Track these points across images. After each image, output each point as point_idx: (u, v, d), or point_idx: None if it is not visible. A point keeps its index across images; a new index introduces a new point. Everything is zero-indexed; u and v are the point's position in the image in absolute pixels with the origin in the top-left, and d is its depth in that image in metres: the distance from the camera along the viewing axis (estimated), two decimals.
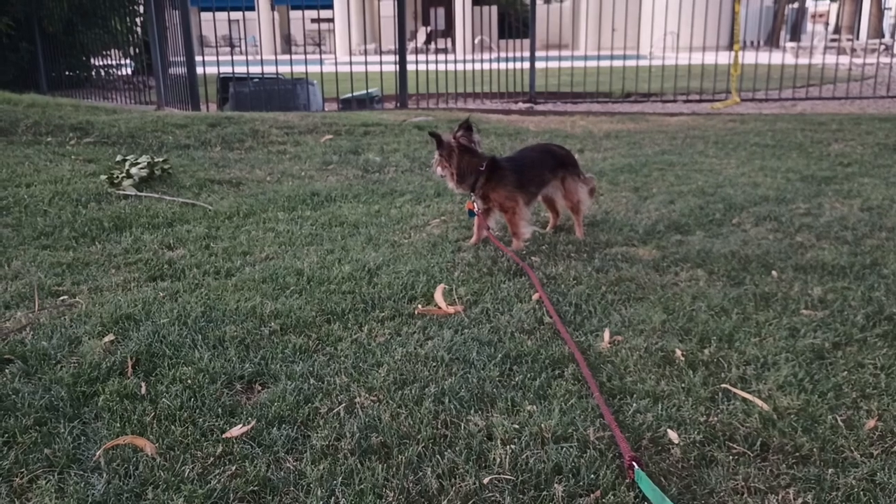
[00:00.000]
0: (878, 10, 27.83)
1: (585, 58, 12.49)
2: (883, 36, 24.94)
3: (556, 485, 1.92)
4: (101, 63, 15.87)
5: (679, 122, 8.96)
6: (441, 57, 12.38)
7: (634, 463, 1.93)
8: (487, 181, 3.81)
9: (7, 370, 2.54)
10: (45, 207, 4.54)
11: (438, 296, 3.18)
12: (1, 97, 8.23)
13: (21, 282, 3.36)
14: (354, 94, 11.41)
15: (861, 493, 1.89)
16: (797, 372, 2.50)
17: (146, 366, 2.57)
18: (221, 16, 11.23)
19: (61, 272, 3.51)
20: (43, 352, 2.65)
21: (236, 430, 2.18)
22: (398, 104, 11.28)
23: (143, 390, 2.41)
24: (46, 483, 1.94)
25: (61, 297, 3.22)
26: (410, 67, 11.33)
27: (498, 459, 2.03)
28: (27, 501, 1.90)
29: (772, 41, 29.34)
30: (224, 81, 11.92)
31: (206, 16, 11.81)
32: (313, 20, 24.00)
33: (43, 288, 3.29)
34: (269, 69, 11.42)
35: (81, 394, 2.38)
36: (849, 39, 22.26)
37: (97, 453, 2.06)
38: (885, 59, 15.07)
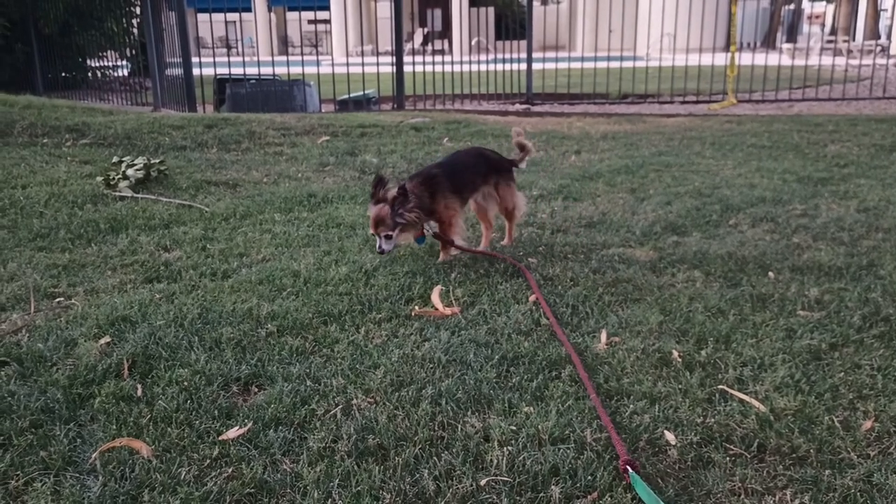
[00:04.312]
0: (875, 12, 27.89)
1: (582, 59, 12.47)
2: (879, 37, 24.99)
3: (553, 486, 1.92)
4: (97, 64, 15.84)
5: (676, 123, 8.97)
6: (438, 58, 12.38)
7: (628, 467, 1.93)
8: (432, 197, 3.58)
9: (3, 372, 2.53)
10: (42, 209, 4.53)
11: (435, 297, 3.17)
12: None
13: (17, 283, 3.35)
14: (351, 95, 11.41)
15: (858, 494, 1.89)
16: (794, 373, 2.50)
17: (142, 368, 2.57)
18: (218, 17, 11.20)
19: (57, 274, 3.50)
20: (39, 354, 2.64)
21: (233, 433, 2.17)
22: (395, 105, 11.28)
23: (139, 392, 2.40)
24: (42, 486, 1.93)
25: (57, 299, 3.22)
26: (407, 69, 11.33)
27: (495, 461, 2.03)
28: None
29: (768, 42, 29.39)
30: (221, 83, 11.91)
31: (203, 17, 11.80)
32: (310, 21, 23.98)
33: (39, 290, 3.29)
34: (266, 70, 11.40)
35: (77, 396, 2.37)
36: (845, 41, 22.30)
37: (93, 456, 2.05)
38: (881, 61, 15.11)
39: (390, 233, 3.43)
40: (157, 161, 5.53)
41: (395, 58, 11.18)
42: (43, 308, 3.12)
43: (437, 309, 3.07)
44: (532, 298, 3.17)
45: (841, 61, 13.24)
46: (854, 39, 25.15)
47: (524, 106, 12.06)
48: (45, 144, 6.56)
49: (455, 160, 3.95)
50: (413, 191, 3.47)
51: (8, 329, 2.89)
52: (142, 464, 2.02)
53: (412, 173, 3.87)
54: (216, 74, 12.01)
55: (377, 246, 3.48)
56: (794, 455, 2.07)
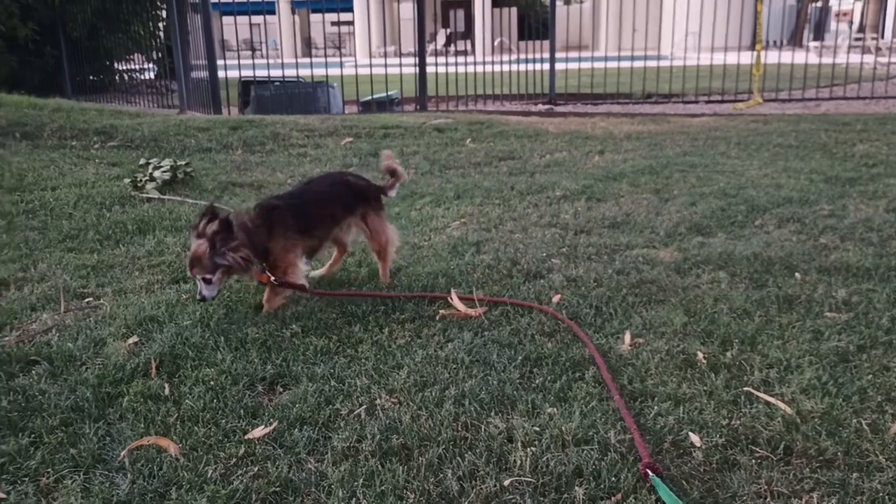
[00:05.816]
0: None
1: (606, 59, 12.41)
2: None
3: (576, 487, 1.92)
4: (124, 67, 16.04)
5: (701, 122, 8.89)
6: (461, 59, 12.38)
7: (649, 471, 1.92)
8: (269, 233, 3.04)
9: (34, 371, 2.58)
10: (71, 210, 4.60)
11: (455, 298, 3.17)
12: (27, 102, 8.36)
13: (47, 284, 3.41)
14: (374, 96, 11.45)
15: (886, 497, 1.87)
16: (821, 375, 2.48)
17: (169, 367, 2.60)
18: (242, 20, 11.31)
19: (86, 274, 3.55)
20: (68, 353, 2.69)
21: (258, 432, 2.20)
22: (418, 106, 11.30)
23: (167, 391, 2.44)
24: (72, 483, 1.97)
25: (86, 299, 3.27)
26: (430, 70, 11.34)
27: (518, 462, 2.03)
28: (53, 501, 1.92)
29: (795, 40, 29.03)
30: (245, 85, 12.01)
31: (228, 20, 11.92)
32: (333, 23, 24.09)
33: (68, 290, 3.34)
34: (290, 72, 11.49)
35: (106, 395, 2.41)
36: (873, 38, 21.96)
37: (122, 454, 2.08)
38: None
39: (209, 276, 2.86)
40: (184, 163, 5.59)
41: (417, 59, 11.20)
42: (72, 308, 3.17)
43: (460, 310, 3.07)
44: (555, 300, 3.16)
45: (869, 59, 13.04)
46: (882, 37, 24.75)
47: (547, 106, 12.03)
48: (74, 147, 6.66)
49: (308, 189, 3.43)
50: (244, 225, 2.95)
51: (38, 329, 2.94)
52: (169, 462, 2.04)
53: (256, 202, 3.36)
54: (241, 77, 12.11)
55: (198, 291, 2.92)
56: (821, 458, 2.04)
